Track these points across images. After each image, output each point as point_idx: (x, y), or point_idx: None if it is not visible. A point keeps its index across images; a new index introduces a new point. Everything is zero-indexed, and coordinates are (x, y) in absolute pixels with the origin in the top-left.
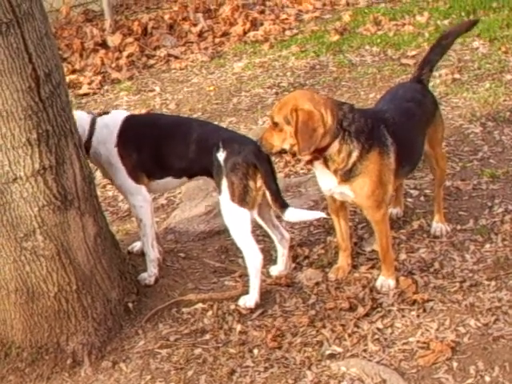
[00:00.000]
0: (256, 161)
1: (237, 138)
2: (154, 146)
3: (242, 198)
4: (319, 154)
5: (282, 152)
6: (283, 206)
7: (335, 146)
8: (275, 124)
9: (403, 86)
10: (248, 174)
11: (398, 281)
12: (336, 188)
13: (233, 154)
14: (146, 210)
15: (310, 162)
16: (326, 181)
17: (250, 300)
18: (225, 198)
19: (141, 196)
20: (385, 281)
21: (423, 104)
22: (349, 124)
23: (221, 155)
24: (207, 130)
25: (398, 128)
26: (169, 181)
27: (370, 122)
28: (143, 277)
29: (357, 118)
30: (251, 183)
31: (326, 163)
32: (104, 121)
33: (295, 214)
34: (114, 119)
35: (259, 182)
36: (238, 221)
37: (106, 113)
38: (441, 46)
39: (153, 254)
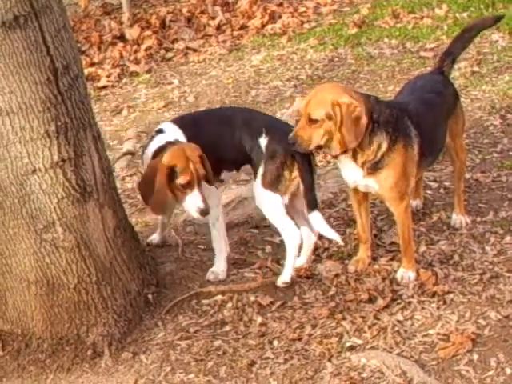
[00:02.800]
0: (296, 152)
1: (280, 126)
2: (209, 141)
3: (275, 184)
4: None
5: (318, 148)
6: (311, 205)
7: (366, 137)
8: (313, 121)
9: (423, 78)
10: (285, 164)
11: (418, 273)
12: (361, 181)
13: (274, 142)
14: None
15: (337, 156)
16: (352, 173)
17: (285, 276)
18: (258, 183)
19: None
20: (405, 273)
21: (444, 95)
22: (378, 116)
23: (263, 141)
24: (251, 116)
25: (421, 119)
26: (224, 176)
27: (395, 114)
28: (215, 272)
29: (384, 109)
30: (286, 173)
31: (354, 156)
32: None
33: (317, 221)
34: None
35: (295, 173)
36: (270, 204)
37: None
38: (464, 38)
39: (225, 248)
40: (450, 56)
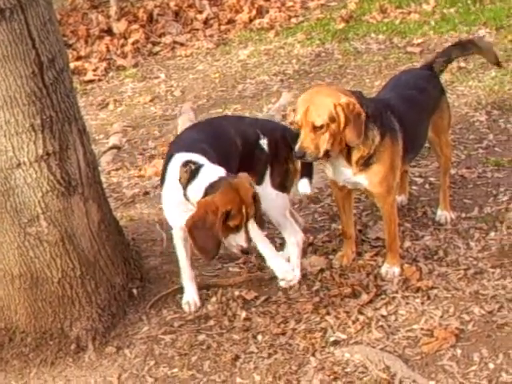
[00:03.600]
0: (292, 143)
1: (269, 122)
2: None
3: (283, 183)
4: (346, 144)
5: (326, 155)
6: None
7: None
8: (318, 128)
9: (408, 73)
10: (288, 158)
11: (402, 268)
12: (351, 178)
13: (273, 139)
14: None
15: (328, 156)
16: (342, 172)
17: (297, 273)
18: (267, 185)
19: None
20: (390, 268)
21: (427, 91)
22: (366, 110)
23: (264, 142)
24: (240, 122)
25: (403, 115)
26: None
27: (380, 109)
28: (287, 277)
29: (369, 104)
30: (291, 166)
31: (348, 154)
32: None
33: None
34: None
35: (297, 162)
36: (281, 205)
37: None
38: (464, 46)
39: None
40: (445, 55)
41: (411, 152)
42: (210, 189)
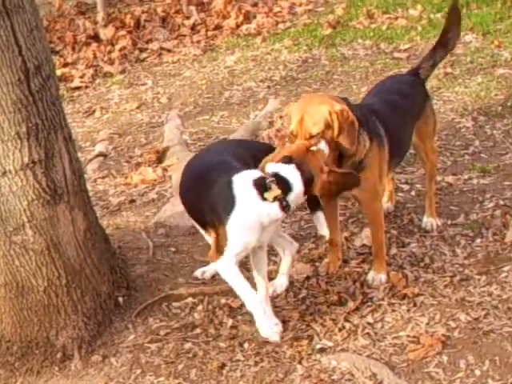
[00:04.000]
0: None
1: (262, 146)
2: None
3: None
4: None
5: None
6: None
7: None
8: (313, 136)
9: (393, 79)
10: None
11: (388, 275)
12: None
13: None
14: None
15: None
16: None
17: (283, 284)
18: None
19: None
20: (376, 275)
21: (410, 97)
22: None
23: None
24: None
25: (387, 120)
26: None
27: (365, 114)
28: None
29: (356, 110)
30: None
31: (339, 161)
32: None
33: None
34: None
35: None
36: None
37: None
38: (445, 43)
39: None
40: (431, 60)
41: (396, 157)
42: (300, 168)
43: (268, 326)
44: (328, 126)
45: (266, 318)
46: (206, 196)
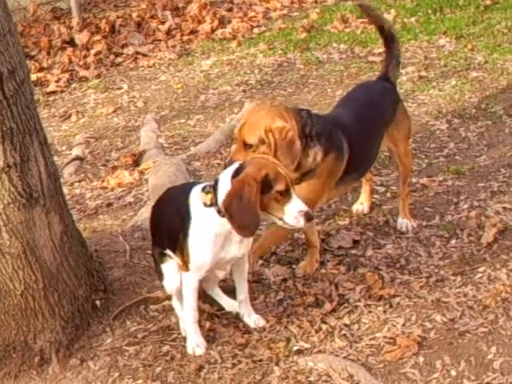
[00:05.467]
0: None
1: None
2: None
3: None
4: None
5: None
6: None
7: (302, 154)
8: (248, 145)
9: (361, 88)
10: None
11: (364, 276)
12: None
13: None
14: None
15: None
16: None
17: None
18: None
19: None
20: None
21: (379, 107)
22: (310, 129)
23: None
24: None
25: (352, 134)
26: None
27: (328, 127)
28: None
29: (316, 122)
30: None
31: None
32: None
33: None
34: None
35: None
36: None
37: None
38: (385, 36)
39: None
40: (393, 58)
41: (354, 172)
42: (237, 174)
43: (195, 343)
44: (262, 141)
45: (197, 336)
46: (173, 215)
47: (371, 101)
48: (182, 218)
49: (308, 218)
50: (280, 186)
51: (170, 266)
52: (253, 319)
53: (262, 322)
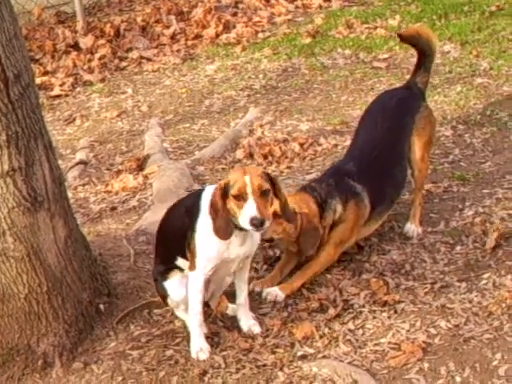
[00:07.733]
0: None
1: None
2: None
3: None
4: None
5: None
6: None
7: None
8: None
9: (377, 106)
10: None
11: (369, 282)
12: None
13: None
14: None
15: None
16: None
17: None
18: None
19: None
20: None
21: (396, 121)
22: (320, 197)
23: None
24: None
25: (364, 174)
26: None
27: (332, 182)
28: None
29: (319, 186)
30: None
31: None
32: None
33: None
34: None
35: None
36: None
37: None
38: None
39: None
40: (422, 66)
41: (379, 206)
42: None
43: (199, 348)
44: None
45: (201, 341)
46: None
47: (385, 122)
48: (191, 216)
49: (253, 223)
50: (233, 191)
51: (174, 280)
52: (248, 324)
53: (257, 329)
